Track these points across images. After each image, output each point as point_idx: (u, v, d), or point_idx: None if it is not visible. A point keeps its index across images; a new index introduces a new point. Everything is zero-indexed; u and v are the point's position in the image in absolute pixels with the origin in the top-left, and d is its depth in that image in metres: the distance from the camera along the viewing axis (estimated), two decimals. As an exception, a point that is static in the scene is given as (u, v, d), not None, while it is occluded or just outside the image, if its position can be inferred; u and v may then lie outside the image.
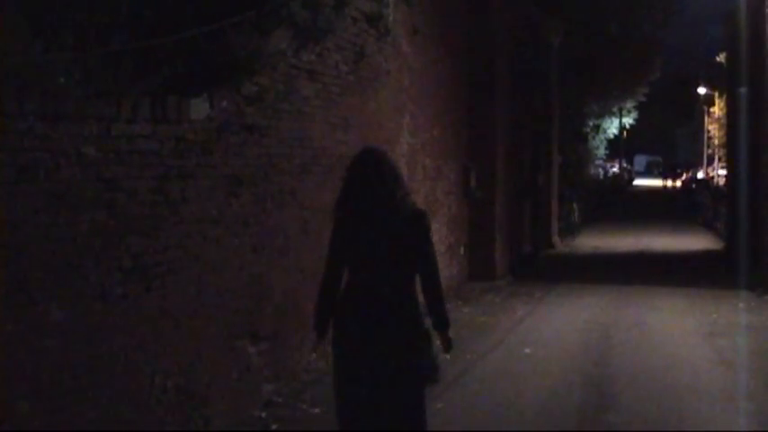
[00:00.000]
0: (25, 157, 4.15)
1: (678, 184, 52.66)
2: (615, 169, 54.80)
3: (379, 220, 4.28)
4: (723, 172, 32.52)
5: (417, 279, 4.42)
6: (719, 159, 44.87)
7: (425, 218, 4.40)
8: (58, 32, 4.40)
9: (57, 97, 4.35)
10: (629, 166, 65.09)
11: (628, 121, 39.76)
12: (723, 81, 26.58)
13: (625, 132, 45.44)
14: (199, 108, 5.63)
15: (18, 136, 4.11)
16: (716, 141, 46.59)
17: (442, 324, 4.44)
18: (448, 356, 4.80)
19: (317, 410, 6.66)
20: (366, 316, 4.29)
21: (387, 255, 4.28)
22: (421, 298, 4.41)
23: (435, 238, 7.35)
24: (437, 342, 4.46)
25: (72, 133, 4.44)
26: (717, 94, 43.40)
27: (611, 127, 36.83)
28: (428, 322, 4.44)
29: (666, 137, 73.36)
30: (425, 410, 4.42)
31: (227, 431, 5.94)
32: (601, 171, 45.46)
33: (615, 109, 35.64)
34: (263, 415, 6.43)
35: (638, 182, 63.11)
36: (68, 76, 4.42)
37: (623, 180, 52.83)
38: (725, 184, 25.15)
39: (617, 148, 49.57)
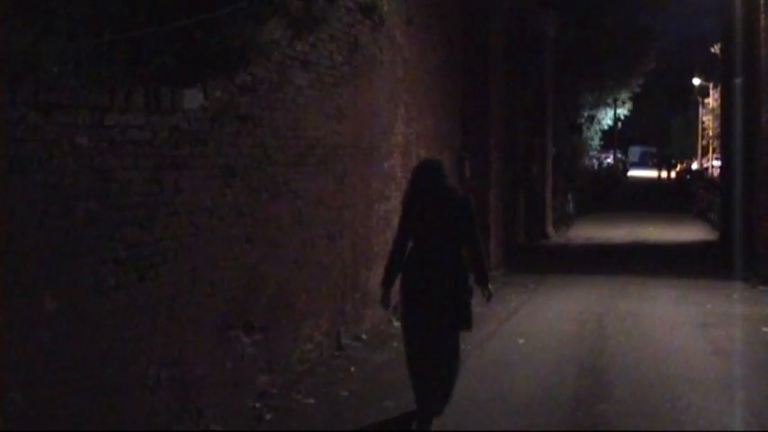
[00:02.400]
0: (18, 147, 4.13)
1: (673, 175, 52.72)
2: (610, 160, 54.77)
3: (436, 205, 5.82)
4: (717, 163, 32.57)
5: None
6: (714, 150, 44.98)
7: (469, 202, 5.96)
8: (51, 21, 4.37)
9: (49, 87, 4.32)
10: (623, 157, 65.08)
11: (622, 111, 39.67)
12: (718, 72, 26.59)
13: (620, 123, 45.39)
14: (192, 98, 5.61)
15: (11, 126, 4.09)
16: (710, 132, 46.66)
17: (483, 279, 6.04)
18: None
19: (311, 401, 6.67)
20: (427, 273, 5.80)
21: (441, 229, 5.82)
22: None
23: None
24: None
25: (65, 123, 4.43)
26: (711, 85, 43.46)
27: (606, 118, 36.77)
28: (471, 280, 5.97)
29: (661, 128, 73.26)
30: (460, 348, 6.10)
31: (221, 430, 5.94)
32: (595, 162, 45.42)
33: (610, 100, 35.52)
34: (258, 405, 6.43)
35: (633, 173, 63.13)
36: (61, 66, 4.39)
37: (618, 171, 52.83)
38: (719, 175, 25.16)
39: (611, 138, 49.51)
